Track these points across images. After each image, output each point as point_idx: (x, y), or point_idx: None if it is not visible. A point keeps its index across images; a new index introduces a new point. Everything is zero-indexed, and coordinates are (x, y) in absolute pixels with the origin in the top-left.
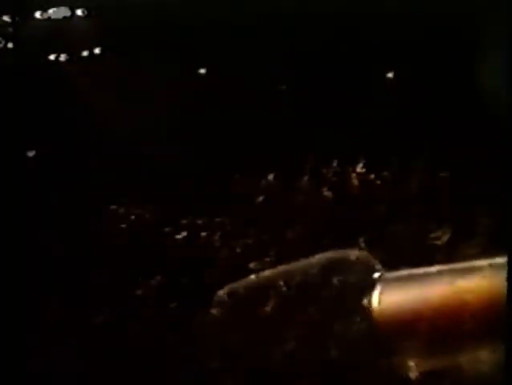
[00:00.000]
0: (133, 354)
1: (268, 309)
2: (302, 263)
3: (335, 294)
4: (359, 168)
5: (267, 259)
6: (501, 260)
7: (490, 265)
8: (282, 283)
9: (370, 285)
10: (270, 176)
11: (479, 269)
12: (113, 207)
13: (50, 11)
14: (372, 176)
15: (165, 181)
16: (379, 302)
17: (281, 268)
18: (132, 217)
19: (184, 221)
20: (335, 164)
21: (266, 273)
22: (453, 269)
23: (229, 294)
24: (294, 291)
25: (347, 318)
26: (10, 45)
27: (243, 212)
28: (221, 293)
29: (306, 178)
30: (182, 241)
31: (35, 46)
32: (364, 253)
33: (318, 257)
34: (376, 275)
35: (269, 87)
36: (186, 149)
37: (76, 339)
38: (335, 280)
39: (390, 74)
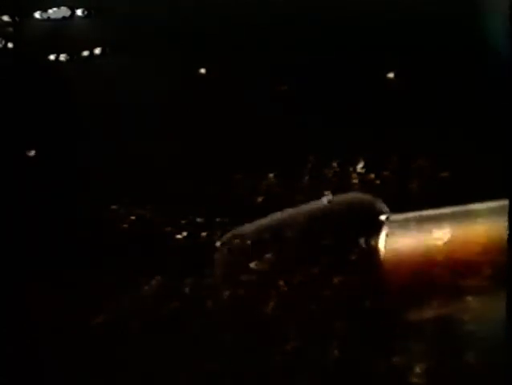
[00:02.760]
0: (133, 353)
1: (271, 256)
2: (308, 207)
3: (342, 237)
4: None
5: (267, 258)
6: (504, 202)
7: (496, 208)
8: (287, 227)
9: (377, 227)
10: (271, 176)
11: (485, 211)
12: (113, 207)
13: (50, 11)
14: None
15: (165, 181)
16: (386, 244)
17: (287, 211)
18: (133, 217)
19: (184, 221)
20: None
21: (272, 216)
22: (459, 211)
23: (232, 239)
24: (300, 234)
25: (354, 260)
26: (9, 45)
27: (243, 212)
28: (223, 238)
29: (306, 178)
30: (182, 241)
31: (35, 46)
32: (371, 196)
33: (325, 200)
34: (383, 217)
35: (269, 88)
36: (186, 149)
37: (76, 339)
38: (341, 222)
39: (391, 75)
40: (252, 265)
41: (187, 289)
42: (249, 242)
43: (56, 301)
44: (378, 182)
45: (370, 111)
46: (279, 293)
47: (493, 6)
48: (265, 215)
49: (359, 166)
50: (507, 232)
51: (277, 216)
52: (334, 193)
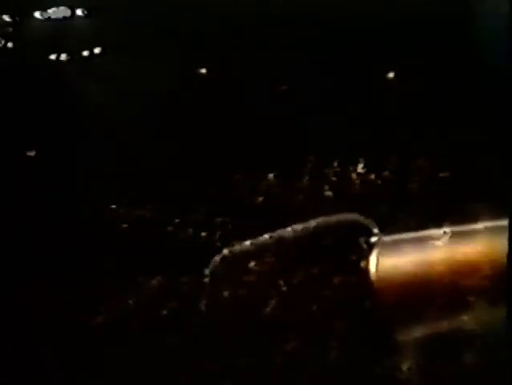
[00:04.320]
0: (133, 353)
1: (262, 278)
2: (300, 227)
3: (333, 258)
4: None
5: (267, 258)
6: (499, 223)
7: (487, 229)
8: (279, 247)
9: (368, 249)
10: (271, 176)
11: (477, 232)
12: (113, 207)
13: (50, 11)
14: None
15: (165, 181)
16: (377, 265)
17: (278, 232)
18: (132, 217)
19: (184, 221)
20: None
21: (264, 237)
22: (451, 232)
23: (224, 258)
24: (292, 255)
25: (345, 281)
26: (9, 45)
27: (243, 212)
28: (217, 258)
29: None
30: (182, 241)
31: (35, 46)
32: (362, 217)
33: (316, 221)
34: (374, 239)
35: (269, 88)
36: (186, 149)
37: (76, 339)
38: (332, 243)
39: (391, 75)
40: (247, 280)
41: (187, 289)
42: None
43: (56, 302)
44: (379, 182)
45: (370, 110)
46: (272, 315)
47: (494, 6)
48: (265, 215)
49: (360, 166)
50: (506, 253)
51: (267, 236)
52: (336, 195)
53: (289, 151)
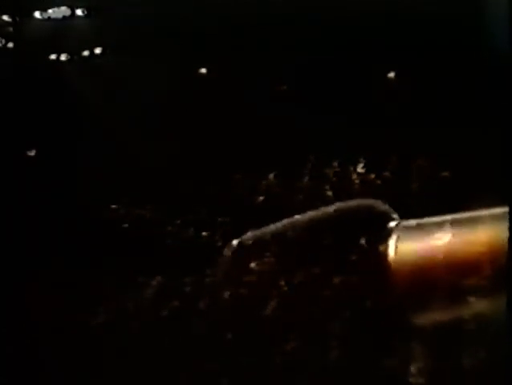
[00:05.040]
0: (133, 353)
1: (277, 261)
2: (320, 212)
3: (352, 242)
4: None
5: (268, 258)
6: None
7: (503, 215)
8: (298, 233)
9: (387, 234)
10: (271, 176)
11: (493, 218)
12: (113, 207)
13: (50, 11)
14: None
15: (165, 181)
16: (396, 250)
17: (298, 217)
18: (133, 217)
19: (184, 221)
20: None
21: (282, 223)
22: (467, 218)
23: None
24: (310, 240)
25: (364, 266)
26: (10, 44)
27: (243, 212)
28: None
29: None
30: (182, 241)
31: (35, 46)
32: (381, 203)
33: (336, 206)
34: (393, 224)
35: (269, 88)
36: (186, 149)
37: (76, 339)
38: (351, 228)
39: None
40: (257, 266)
41: (187, 289)
42: (254, 248)
43: (56, 301)
44: (379, 182)
45: (370, 110)
46: (286, 293)
47: (494, 6)
48: (265, 215)
49: (360, 166)
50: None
51: (285, 222)
52: (336, 194)
53: (289, 151)
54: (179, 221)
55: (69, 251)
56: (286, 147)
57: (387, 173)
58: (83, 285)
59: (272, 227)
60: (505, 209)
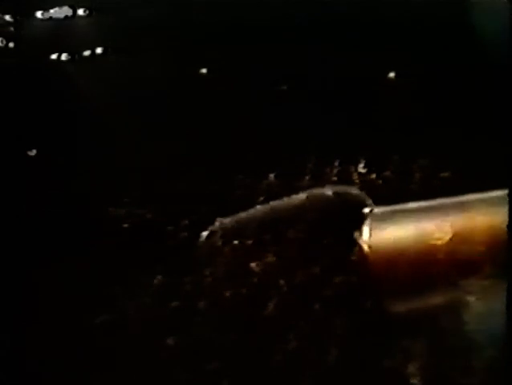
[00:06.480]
0: (133, 352)
1: (252, 249)
2: (293, 199)
3: (326, 229)
4: None
5: (268, 258)
6: (491, 194)
7: (482, 200)
8: (272, 219)
9: (361, 220)
10: (271, 176)
11: (471, 203)
12: (113, 207)
13: (52, 11)
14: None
15: (165, 181)
16: (370, 236)
17: (272, 203)
18: (133, 217)
19: (184, 221)
20: None
21: (256, 209)
22: (443, 204)
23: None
24: (285, 226)
25: (338, 252)
26: (11, 44)
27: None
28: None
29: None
30: (182, 241)
31: (37, 46)
32: (355, 188)
33: (309, 193)
34: (367, 210)
35: (269, 88)
36: (187, 149)
37: (76, 339)
38: (325, 214)
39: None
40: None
41: (188, 289)
42: (232, 235)
43: (56, 301)
44: (379, 182)
45: (370, 110)
46: (259, 286)
47: (494, 6)
48: (265, 215)
49: (360, 166)
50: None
51: (259, 209)
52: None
53: (289, 151)
54: (179, 221)
55: (69, 251)
56: (286, 147)
57: (387, 173)
58: (83, 285)
59: (244, 214)
60: (492, 194)
